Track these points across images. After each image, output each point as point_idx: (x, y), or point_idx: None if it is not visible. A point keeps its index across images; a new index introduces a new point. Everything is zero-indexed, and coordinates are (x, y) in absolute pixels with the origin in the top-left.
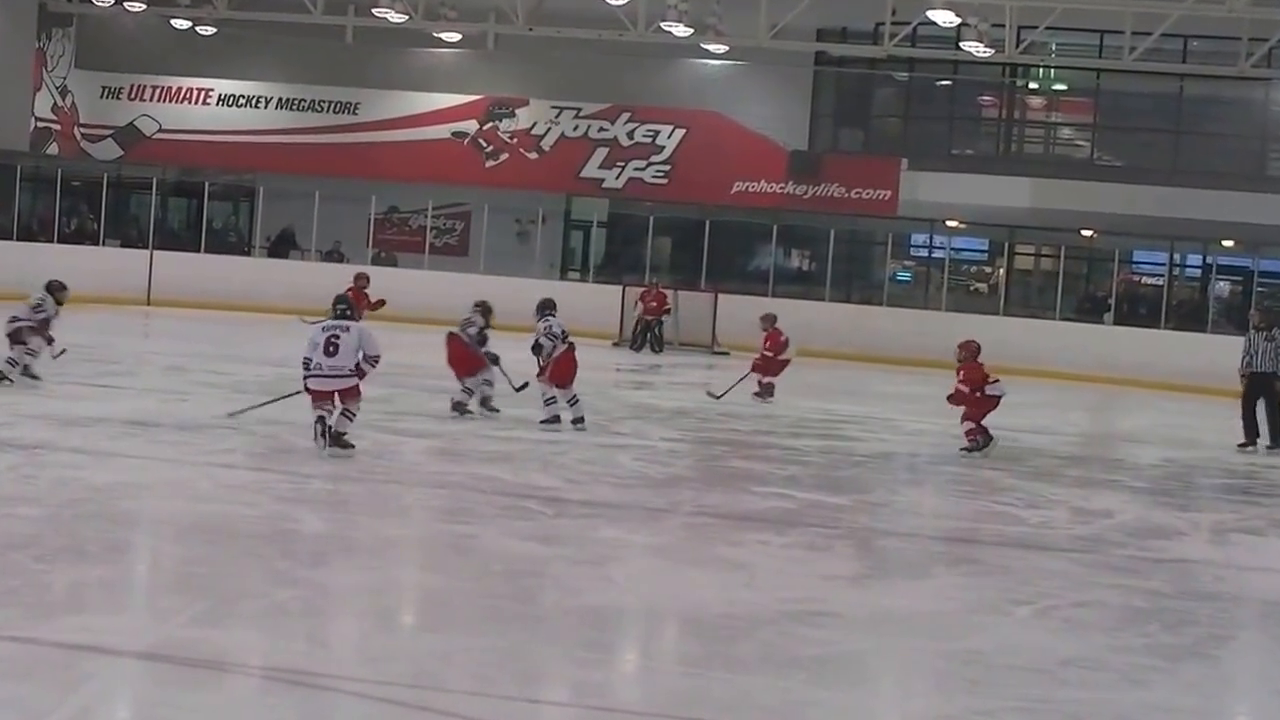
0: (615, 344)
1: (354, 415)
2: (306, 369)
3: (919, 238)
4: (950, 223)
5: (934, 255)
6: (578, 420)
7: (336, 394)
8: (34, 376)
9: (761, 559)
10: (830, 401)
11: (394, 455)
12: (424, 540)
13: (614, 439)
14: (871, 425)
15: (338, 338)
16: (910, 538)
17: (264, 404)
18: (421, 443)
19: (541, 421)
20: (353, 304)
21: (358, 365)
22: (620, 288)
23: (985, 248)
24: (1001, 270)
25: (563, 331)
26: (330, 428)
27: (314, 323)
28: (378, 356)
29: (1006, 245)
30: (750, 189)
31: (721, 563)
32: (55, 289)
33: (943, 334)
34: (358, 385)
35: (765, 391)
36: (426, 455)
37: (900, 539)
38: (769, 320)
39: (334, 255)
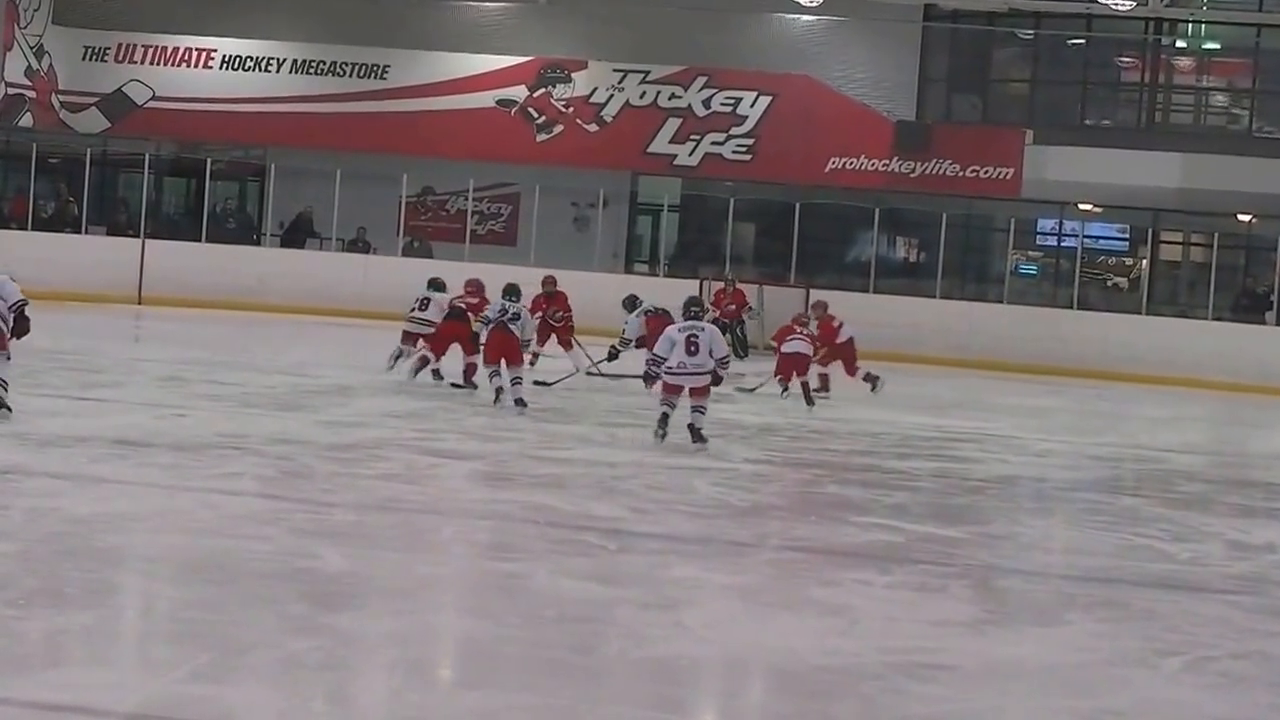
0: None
1: (704, 411)
2: (656, 365)
3: (1046, 223)
4: (1083, 206)
5: (1064, 244)
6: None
7: (689, 390)
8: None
9: (863, 601)
10: (942, 416)
11: (430, 480)
12: (464, 580)
13: (688, 460)
14: (990, 444)
15: (697, 338)
16: (1038, 577)
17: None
18: (462, 465)
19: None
20: (702, 305)
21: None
22: (696, 282)
23: (1125, 235)
24: (1144, 262)
25: (502, 312)
26: (693, 426)
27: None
28: (726, 357)
29: (1150, 232)
30: (848, 167)
31: (816, 606)
32: None
33: (1074, 337)
34: (708, 385)
35: (822, 386)
36: (468, 480)
37: (1026, 578)
38: (820, 309)
39: (358, 245)
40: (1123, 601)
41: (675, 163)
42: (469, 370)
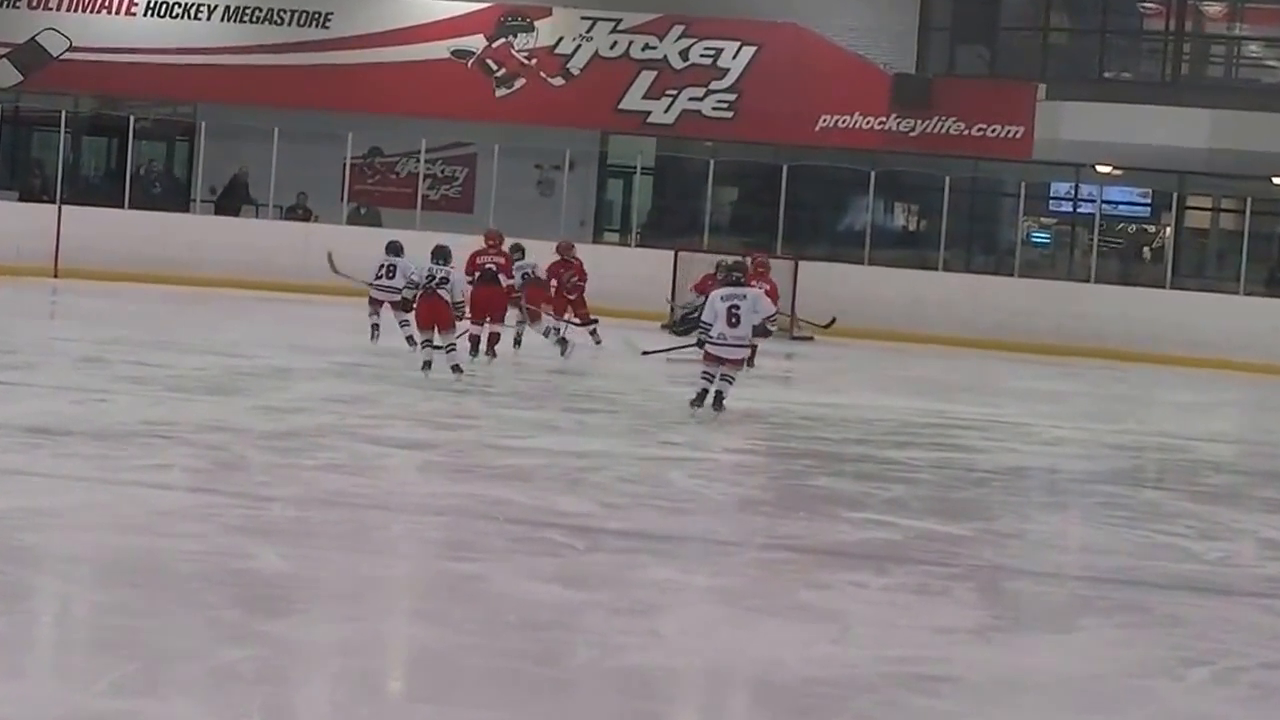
0: (667, 326)
1: (733, 381)
2: (707, 333)
3: (1061, 187)
4: (1101, 168)
5: (1080, 210)
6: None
7: (726, 361)
8: None
9: (857, 606)
10: (944, 401)
11: (378, 471)
12: (417, 582)
13: (664, 450)
14: (998, 432)
15: (738, 308)
16: (1050, 579)
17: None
18: (414, 455)
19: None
20: (744, 269)
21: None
22: (671, 253)
23: (1147, 200)
24: (1169, 230)
25: (429, 278)
26: (718, 393)
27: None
28: (772, 316)
29: (1175, 197)
30: (841, 125)
31: (804, 611)
32: None
33: (1092, 313)
34: (744, 358)
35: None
36: (420, 472)
37: (1037, 580)
38: (760, 265)
39: (298, 211)
40: (1144, 605)
41: (649, 120)
42: (491, 340)
